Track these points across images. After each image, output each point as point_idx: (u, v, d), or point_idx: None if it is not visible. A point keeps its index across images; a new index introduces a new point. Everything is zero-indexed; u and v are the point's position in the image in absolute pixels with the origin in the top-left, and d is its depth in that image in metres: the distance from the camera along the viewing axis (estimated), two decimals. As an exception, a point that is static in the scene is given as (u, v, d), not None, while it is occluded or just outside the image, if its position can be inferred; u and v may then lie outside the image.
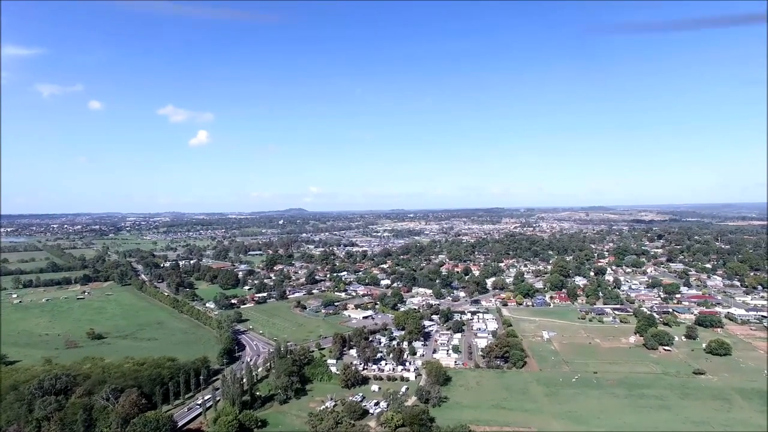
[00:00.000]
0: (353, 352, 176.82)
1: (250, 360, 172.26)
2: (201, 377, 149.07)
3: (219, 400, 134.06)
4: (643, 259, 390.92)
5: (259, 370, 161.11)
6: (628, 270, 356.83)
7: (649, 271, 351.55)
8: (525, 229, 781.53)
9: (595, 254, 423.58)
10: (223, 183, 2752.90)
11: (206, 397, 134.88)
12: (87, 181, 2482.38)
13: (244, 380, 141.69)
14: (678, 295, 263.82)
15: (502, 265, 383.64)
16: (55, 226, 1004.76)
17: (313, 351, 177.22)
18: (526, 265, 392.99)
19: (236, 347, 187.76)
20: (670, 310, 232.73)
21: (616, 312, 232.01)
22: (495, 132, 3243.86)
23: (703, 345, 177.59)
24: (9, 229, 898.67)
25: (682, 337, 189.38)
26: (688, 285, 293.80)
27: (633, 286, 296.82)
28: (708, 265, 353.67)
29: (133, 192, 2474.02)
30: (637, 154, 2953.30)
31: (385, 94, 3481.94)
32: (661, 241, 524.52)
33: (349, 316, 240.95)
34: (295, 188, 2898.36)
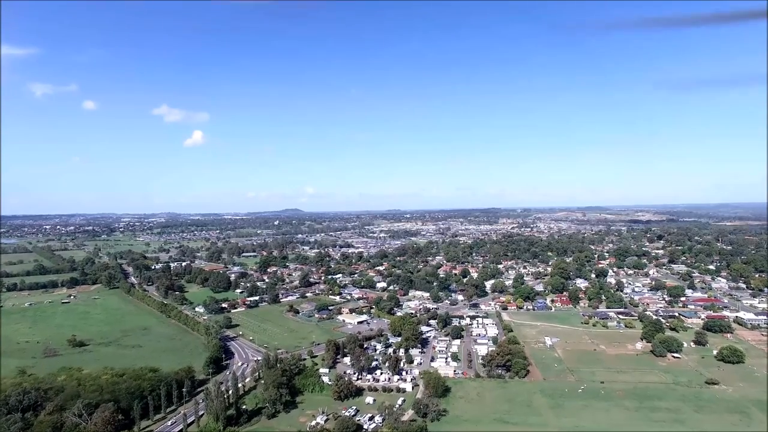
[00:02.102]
0: (347, 360, 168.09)
1: (238, 369, 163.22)
2: (184, 389, 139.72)
3: (202, 414, 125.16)
4: (645, 261, 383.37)
5: (247, 380, 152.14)
6: (630, 272, 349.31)
7: (651, 272, 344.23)
8: (523, 229, 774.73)
9: (596, 255, 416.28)
10: (219, 183, 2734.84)
11: (188, 412, 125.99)
12: (82, 181, 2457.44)
13: (230, 392, 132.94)
14: (683, 298, 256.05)
15: (500, 266, 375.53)
16: (47, 227, 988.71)
17: (304, 359, 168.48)
18: (525, 267, 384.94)
19: (224, 355, 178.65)
20: (677, 314, 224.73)
21: (621, 316, 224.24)
22: (490, 132, 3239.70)
23: (714, 352, 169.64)
24: (1, 231, 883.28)
25: (691, 344, 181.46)
26: (692, 287, 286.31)
27: (636, 289, 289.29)
28: (711, 267, 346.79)
29: (128, 192, 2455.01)
30: (632, 154, 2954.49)
31: (381, 94, 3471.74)
32: (662, 241, 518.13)
33: (344, 321, 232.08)
34: (292, 188, 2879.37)
